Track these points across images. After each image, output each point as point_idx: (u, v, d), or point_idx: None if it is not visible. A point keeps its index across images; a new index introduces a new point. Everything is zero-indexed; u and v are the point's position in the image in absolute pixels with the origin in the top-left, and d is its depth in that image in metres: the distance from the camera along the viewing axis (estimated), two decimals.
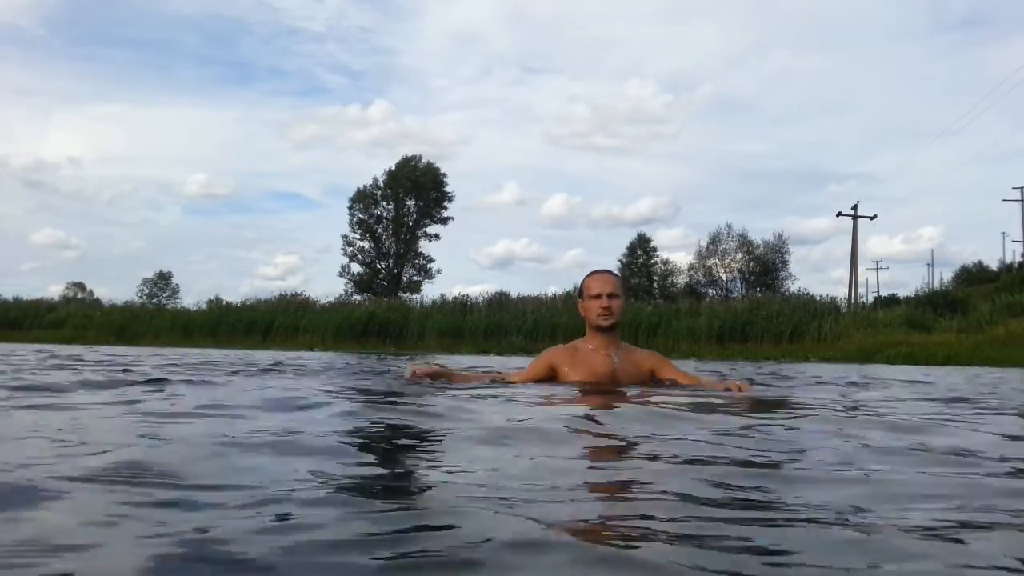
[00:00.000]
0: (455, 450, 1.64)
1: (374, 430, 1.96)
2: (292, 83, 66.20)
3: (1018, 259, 42.23)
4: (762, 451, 1.67)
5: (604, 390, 3.50)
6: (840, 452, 1.67)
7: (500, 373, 4.13)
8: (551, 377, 3.75)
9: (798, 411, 2.70)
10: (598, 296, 3.71)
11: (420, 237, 40.94)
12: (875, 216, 34.54)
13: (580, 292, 3.89)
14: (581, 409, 2.49)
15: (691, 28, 72.50)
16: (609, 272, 3.90)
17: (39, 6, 63.74)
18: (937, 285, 42.25)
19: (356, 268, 40.65)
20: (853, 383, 5.48)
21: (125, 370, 4.63)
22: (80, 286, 46.47)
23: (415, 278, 40.61)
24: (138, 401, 2.53)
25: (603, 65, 69.48)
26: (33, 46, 61.17)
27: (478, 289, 43.63)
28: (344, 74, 68.67)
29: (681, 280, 39.88)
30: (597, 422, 2.13)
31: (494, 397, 2.98)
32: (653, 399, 2.98)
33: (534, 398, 2.97)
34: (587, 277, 3.88)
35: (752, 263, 38.71)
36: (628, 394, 3.29)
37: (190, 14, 65.88)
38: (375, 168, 63.56)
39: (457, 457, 1.53)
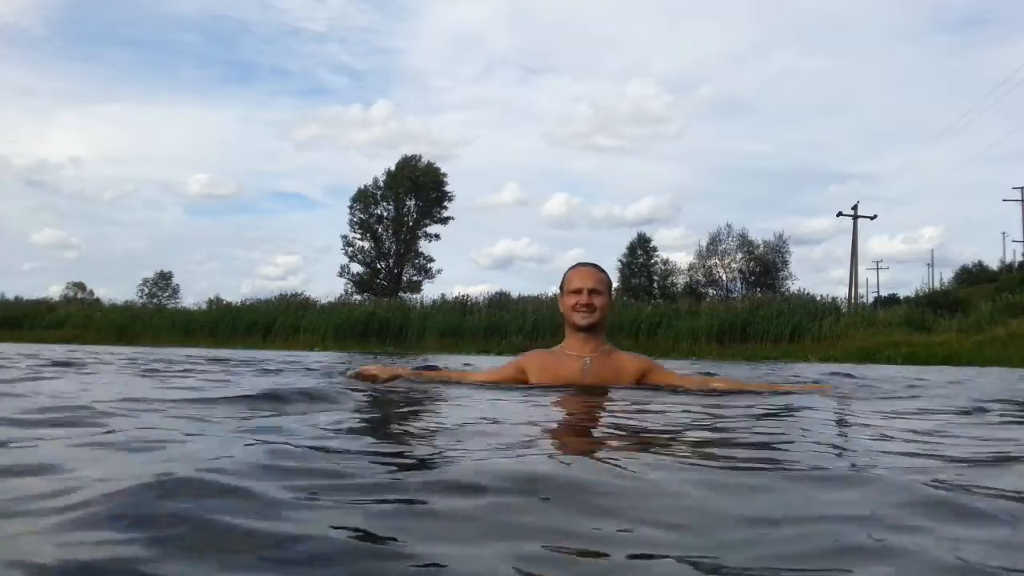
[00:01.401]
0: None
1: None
2: (294, 83, 66.39)
3: (1018, 259, 42.29)
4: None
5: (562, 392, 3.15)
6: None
7: (462, 373, 3.88)
8: (520, 381, 3.39)
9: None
10: (578, 291, 3.31)
11: (420, 237, 40.98)
12: (875, 216, 34.63)
13: (560, 287, 3.48)
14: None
15: (692, 28, 72.55)
16: (594, 266, 3.45)
17: (41, 6, 63.95)
18: (937, 285, 42.29)
19: (356, 268, 40.72)
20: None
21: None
22: (80, 286, 46.48)
23: (415, 278, 40.65)
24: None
25: (604, 65, 69.50)
26: (35, 46, 61.34)
27: (478, 289, 43.65)
28: (346, 74, 68.75)
29: (681, 280, 39.92)
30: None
31: (436, 399, 2.85)
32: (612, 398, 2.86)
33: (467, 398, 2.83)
34: (569, 270, 3.47)
35: (752, 263, 38.73)
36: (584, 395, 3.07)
37: (192, 14, 65.98)
38: (377, 168, 63.71)
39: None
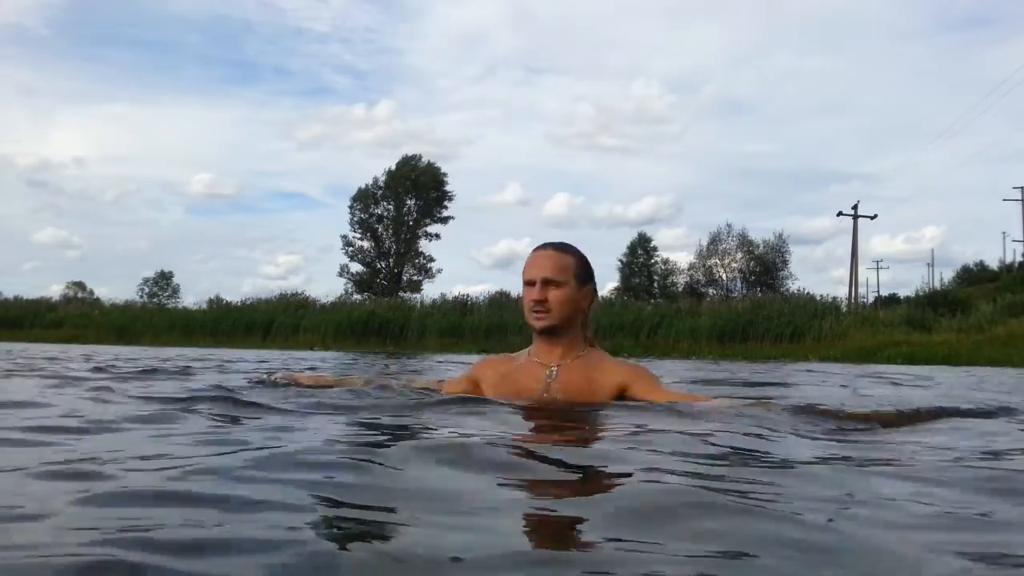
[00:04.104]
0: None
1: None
2: (296, 83, 66.31)
3: (1018, 259, 42.26)
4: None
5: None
6: None
7: (410, 381, 3.19)
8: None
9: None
10: (530, 283, 2.59)
11: (420, 237, 40.95)
12: (875, 216, 34.65)
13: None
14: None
15: (695, 29, 72.56)
16: (555, 246, 2.66)
17: (44, 6, 63.86)
18: (937, 285, 42.26)
19: (356, 268, 40.71)
20: None
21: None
22: (80, 285, 46.47)
23: (415, 277, 40.61)
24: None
25: (608, 65, 69.43)
26: (38, 46, 61.30)
27: (479, 289, 43.63)
28: (349, 74, 68.71)
29: (681, 280, 39.91)
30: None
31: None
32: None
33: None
34: (531, 252, 2.71)
35: (752, 263, 38.72)
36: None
37: (195, 14, 66.05)
38: (379, 168, 63.60)
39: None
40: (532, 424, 2.23)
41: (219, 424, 2.01)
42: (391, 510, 1.07)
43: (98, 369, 4.71)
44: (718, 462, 1.55)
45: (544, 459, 1.52)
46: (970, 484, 1.38)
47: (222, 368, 5.73)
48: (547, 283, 2.55)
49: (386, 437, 1.81)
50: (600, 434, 2.07)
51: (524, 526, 1.04)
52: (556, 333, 2.60)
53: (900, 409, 2.69)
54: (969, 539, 1.00)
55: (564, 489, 1.29)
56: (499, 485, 1.27)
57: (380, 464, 1.39)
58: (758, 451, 1.72)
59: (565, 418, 2.34)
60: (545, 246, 2.66)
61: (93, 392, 2.89)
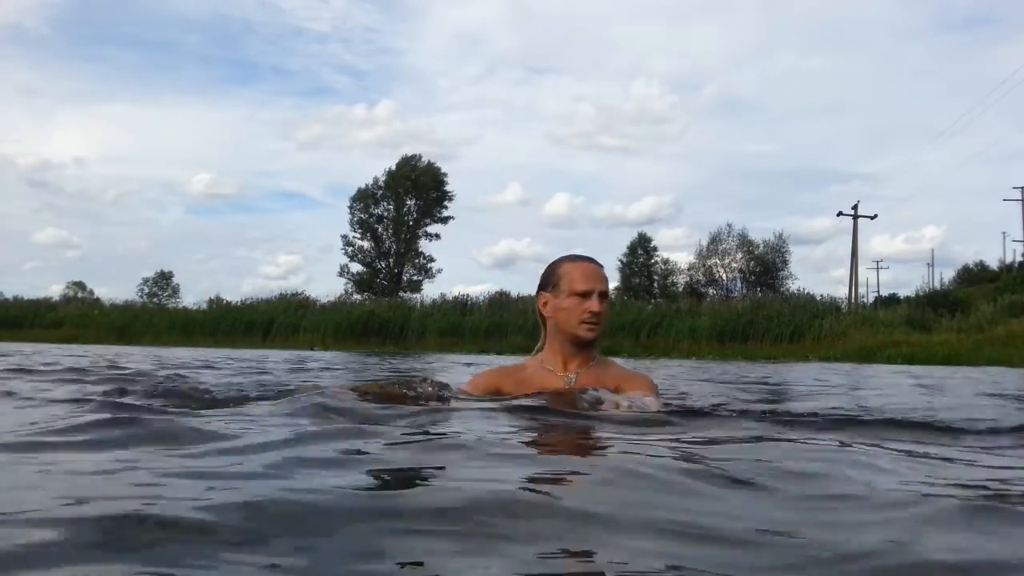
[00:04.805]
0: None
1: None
2: (297, 83, 66.19)
3: (1018, 259, 42.23)
4: None
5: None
6: None
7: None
8: None
9: None
10: (586, 294, 2.58)
11: (420, 237, 40.98)
12: (875, 216, 34.64)
13: (550, 282, 2.68)
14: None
15: (695, 28, 72.34)
16: (594, 261, 2.71)
17: (44, 6, 63.73)
18: (937, 285, 42.23)
19: (356, 268, 40.74)
20: None
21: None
22: (80, 285, 46.47)
23: (415, 277, 40.62)
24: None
25: (608, 65, 69.28)
26: (38, 46, 61.19)
27: (479, 289, 43.63)
28: (349, 74, 68.62)
29: (681, 280, 39.90)
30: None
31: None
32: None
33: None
34: (565, 262, 2.69)
35: (752, 263, 38.73)
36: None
37: (195, 14, 65.97)
38: (379, 168, 63.61)
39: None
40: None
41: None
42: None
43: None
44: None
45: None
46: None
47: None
48: (602, 296, 2.61)
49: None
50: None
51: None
52: (593, 344, 2.65)
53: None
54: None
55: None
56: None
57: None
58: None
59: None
60: (588, 259, 2.70)
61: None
